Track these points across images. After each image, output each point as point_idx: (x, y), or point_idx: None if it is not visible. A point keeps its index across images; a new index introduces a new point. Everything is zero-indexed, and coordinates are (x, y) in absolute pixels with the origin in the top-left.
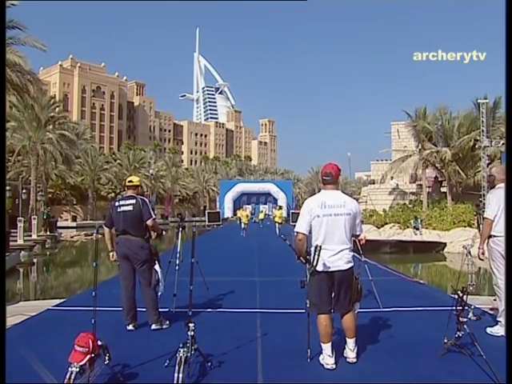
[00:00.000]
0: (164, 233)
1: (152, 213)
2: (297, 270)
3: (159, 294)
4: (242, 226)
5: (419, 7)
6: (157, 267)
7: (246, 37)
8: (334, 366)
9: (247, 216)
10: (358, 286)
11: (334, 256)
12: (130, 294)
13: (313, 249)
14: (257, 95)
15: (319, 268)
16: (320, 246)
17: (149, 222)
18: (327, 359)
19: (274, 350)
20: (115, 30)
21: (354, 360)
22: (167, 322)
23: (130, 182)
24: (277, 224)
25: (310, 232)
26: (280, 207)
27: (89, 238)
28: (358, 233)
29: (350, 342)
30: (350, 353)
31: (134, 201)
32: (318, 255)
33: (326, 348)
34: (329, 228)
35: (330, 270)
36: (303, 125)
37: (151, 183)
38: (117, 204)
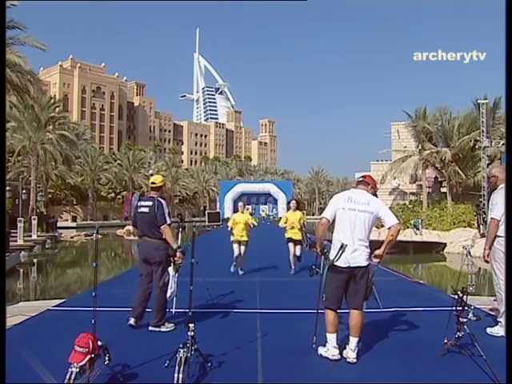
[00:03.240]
0: (177, 248)
1: (167, 218)
2: (297, 271)
3: (168, 296)
4: (235, 248)
5: (419, 7)
6: (170, 269)
7: (246, 37)
8: (339, 357)
9: (245, 225)
10: (371, 285)
11: (355, 252)
12: (143, 294)
13: (333, 245)
14: (257, 95)
15: (340, 264)
16: (346, 245)
17: (162, 228)
18: (332, 350)
19: (274, 350)
20: (115, 30)
21: (354, 360)
22: (169, 326)
23: (152, 183)
24: (293, 245)
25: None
26: (297, 206)
27: (89, 238)
28: (391, 223)
29: (353, 342)
30: (351, 353)
31: (151, 203)
32: (342, 252)
33: (332, 338)
34: (351, 222)
35: (350, 265)
36: (303, 125)
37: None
38: (138, 204)
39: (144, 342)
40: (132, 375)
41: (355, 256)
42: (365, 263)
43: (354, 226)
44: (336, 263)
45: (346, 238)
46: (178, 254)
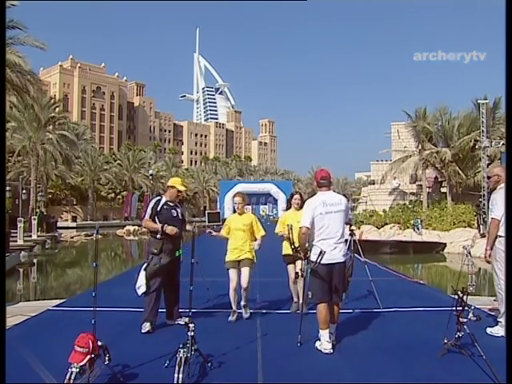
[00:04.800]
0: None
1: (145, 214)
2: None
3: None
4: (232, 275)
5: (419, 7)
6: (143, 267)
7: (246, 37)
8: (331, 351)
9: (247, 232)
10: (348, 278)
11: (335, 250)
12: (166, 293)
13: (315, 250)
14: (257, 95)
15: (322, 261)
16: (324, 252)
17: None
18: (325, 344)
19: (274, 350)
20: (115, 30)
21: (334, 342)
22: (146, 326)
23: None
24: (294, 267)
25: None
26: (303, 204)
27: (89, 238)
28: (348, 221)
29: (333, 327)
30: (331, 336)
31: None
32: (322, 258)
33: (325, 334)
34: (331, 224)
35: (331, 262)
36: (303, 125)
37: (151, 183)
38: None
39: (144, 342)
40: (132, 375)
41: (335, 253)
42: (343, 259)
43: (334, 226)
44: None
45: (326, 241)
46: (168, 228)
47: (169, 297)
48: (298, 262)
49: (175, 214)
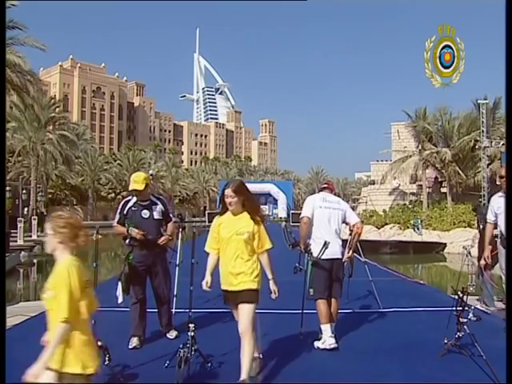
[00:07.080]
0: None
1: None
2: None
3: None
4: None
5: (420, 7)
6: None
7: (246, 37)
8: (336, 345)
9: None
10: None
11: (333, 245)
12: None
13: (313, 241)
14: (257, 95)
15: (323, 257)
16: (329, 242)
17: None
18: (329, 340)
19: (274, 349)
20: (115, 29)
21: (336, 345)
22: (133, 341)
23: None
24: (235, 310)
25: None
26: (244, 203)
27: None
28: (355, 221)
29: (332, 326)
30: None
31: None
32: (326, 249)
33: (327, 329)
34: (329, 219)
35: (332, 257)
36: (303, 125)
37: (151, 184)
38: None
39: (144, 343)
40: (132, 375)
41: (335, 249)
42: (340, 255)
43: (332, 221)
44: (321, 257)
45: (326, 233)
46: (132, 231)
47: (157, 307)
48: (245, 311)
49: (147, 215)
